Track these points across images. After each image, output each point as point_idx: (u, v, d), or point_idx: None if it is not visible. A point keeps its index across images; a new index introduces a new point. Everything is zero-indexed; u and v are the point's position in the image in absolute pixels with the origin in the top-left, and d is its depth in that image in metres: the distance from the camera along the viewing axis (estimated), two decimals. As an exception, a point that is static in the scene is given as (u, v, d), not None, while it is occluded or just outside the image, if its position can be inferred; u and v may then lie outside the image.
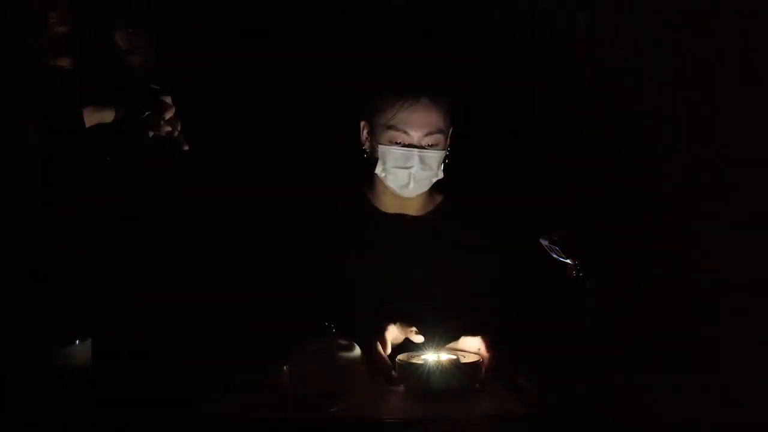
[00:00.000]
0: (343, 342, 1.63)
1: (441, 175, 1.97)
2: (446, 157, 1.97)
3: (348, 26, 2.32)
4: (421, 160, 1.91)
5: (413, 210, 2.01)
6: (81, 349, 1.47)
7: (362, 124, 2.01)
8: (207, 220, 2.18)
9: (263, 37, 2.29)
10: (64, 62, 1.64)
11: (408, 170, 1.91)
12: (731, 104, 2.28)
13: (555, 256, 1.68)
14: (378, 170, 1.95)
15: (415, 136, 1.91)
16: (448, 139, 1.98)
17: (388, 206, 2.01)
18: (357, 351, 1.64)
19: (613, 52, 2.32)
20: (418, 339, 1.70)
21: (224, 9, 2.29)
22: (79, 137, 1.60)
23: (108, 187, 1.80)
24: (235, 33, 2.28)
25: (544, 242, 1.69)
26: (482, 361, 1.66)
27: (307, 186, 2.18)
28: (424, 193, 1.99)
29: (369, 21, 2.32)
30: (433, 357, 1.64)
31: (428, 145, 1.92)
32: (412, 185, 1.93)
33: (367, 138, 2.00)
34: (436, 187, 2.01)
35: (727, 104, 2.28)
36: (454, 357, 1.64)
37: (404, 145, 1.91)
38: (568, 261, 1.66)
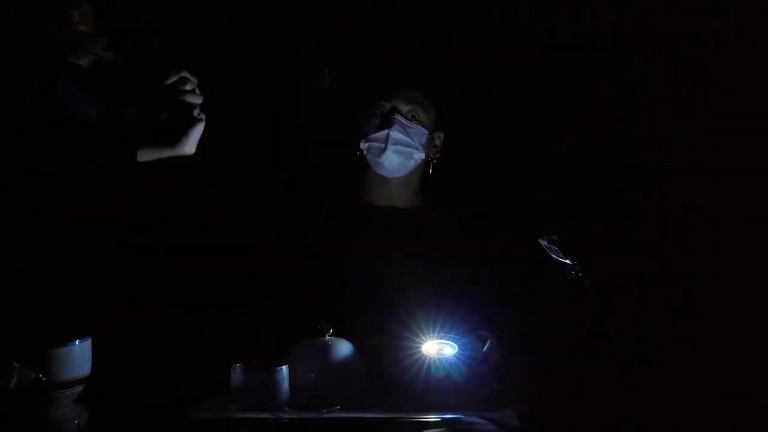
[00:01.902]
0: (342, 342, 1.63)
1: (421, 156, 1.98)
2: (435, 161, 2.03)
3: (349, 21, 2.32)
4: (401, 125, 1.96)
5: (402, 203, 2.04)
6: (81, 349, 1.47)
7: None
8: (203, 219, 2.17)
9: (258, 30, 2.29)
10: (86, 60, 1.64)
11: (386, 131, 1.95)
12: (731, 106, 2.28)
13: (554, 256, 1.68)
14: (362, 144, 1.99)
15: (396, 103, 1.99)
16: (435, 139, 2.03)
17: (378, 199, 2.04)
18: (355, 351, 1.64)
19: (613, 60, 2.31)
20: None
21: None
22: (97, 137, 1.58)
23: (109, 188, 1.80)
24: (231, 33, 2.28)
25: (543, 242, 1.69)
26: (484, 357, 1.66)
27: (302, 183, 2.21)
28: (411, 188, 2.02)
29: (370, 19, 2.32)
30: (434, 347, 1.63)
31: (409, 114, 1.98)
32: (390, 149, 1.95)
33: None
34: (425, 192, 2.05)
35: (727, 107, 2.28)
36: (457, 348, 1.64)
37: (385, 112, 1.98)
38: (567, 261, 1.66)
